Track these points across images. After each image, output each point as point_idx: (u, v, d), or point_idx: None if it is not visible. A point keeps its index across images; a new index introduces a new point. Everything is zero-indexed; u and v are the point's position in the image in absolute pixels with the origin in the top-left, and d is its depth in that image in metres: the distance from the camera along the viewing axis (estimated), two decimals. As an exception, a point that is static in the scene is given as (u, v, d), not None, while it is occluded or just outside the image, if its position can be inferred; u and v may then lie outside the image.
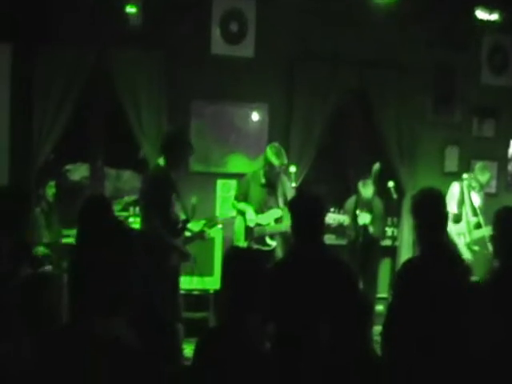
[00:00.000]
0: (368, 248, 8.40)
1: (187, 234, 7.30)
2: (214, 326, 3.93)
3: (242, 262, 3.94)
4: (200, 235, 7.43)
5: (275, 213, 8.22)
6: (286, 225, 7.92)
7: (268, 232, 8.20)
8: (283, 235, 8.41)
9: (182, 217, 7.17)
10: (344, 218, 8.23)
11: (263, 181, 8.25)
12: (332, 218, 8.12)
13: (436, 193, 5.06)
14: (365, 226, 8.39)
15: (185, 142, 7.18)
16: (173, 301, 7.00)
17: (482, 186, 8.84)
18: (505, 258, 4.90)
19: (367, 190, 8.52)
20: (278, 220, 8.23)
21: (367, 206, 8.50)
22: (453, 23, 9.58)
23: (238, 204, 8.33)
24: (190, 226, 7.29)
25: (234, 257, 4.13)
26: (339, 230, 9.02)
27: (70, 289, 2.92)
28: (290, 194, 8.06)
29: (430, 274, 4.74)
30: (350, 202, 8.71)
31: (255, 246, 8.05)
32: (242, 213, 8.29)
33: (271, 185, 8.24)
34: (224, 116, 9.48)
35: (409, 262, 5.20)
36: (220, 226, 8.40)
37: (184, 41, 9.10)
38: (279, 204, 8.20)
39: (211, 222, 7.78)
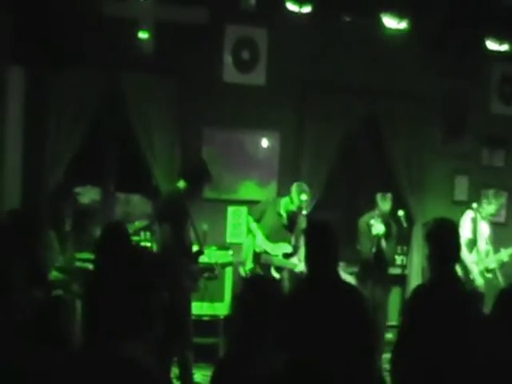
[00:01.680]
0: (379, 270, 8.40)
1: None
2: (226, 355, 3.91)
3: (257, 290, 3.93)
4: (210, 270, 7.55)
5: (285, 247, 8.32)
6: (294, 263, 8.03)
7: (275, 263, 8.25)
8: (291, 272, 8.44)
9: (196, 247, 7.26)
10: (351, 280, 8.23)
11: (282, 211, 8.37)
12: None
13: (450, 223, 5.12)
14: (378, 238, 8.37)
15: (208, 173, 7.39)
16: (184, 326, 7.05)
17: (490, 215, 8.85)
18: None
19: (385, 203, 8.52)
20: (286, 255, 8.30)
21: (383, 218, 8.49)
22: (463, 53, 9.61)
23: (253, 223, 8.42)
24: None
25: (248, 284, 4.14)
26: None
27: (87, 313, 2.94)
28: (302, 226, 8.16)
29: (440, 302, 4.76)
30: (363, 218, 8.69)
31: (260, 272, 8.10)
32: (252, 234, 8.37)
33: (288, 219, 8.36)
34: (235, 143, 9.53)
35: (419, 289, 5.22)
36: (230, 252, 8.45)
37: (196, 68, 9.17)
38: (291, 241, 8.29)
39: (211, 273, 7.89)
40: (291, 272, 8.42)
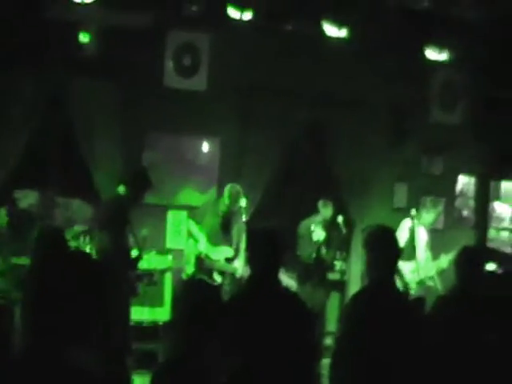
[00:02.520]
0: (318, 274, 8.44)
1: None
2: (169, 357, 3.91)
3: (195, 292, 3.94)
4: (148, 277, 7.54)
5: (227, 251, 8.33)
6: (235, 267, 8.04)
7: (217, 267, 8.25)
8: (232, 276, 8.46)
9: (135, 252, 7.23)
10: (292, 284, 8.27)
11: (220, 214, 8.35)
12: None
13: (389, 230, 5.18)
14: (319, 244, 8.41)
15: (148, 180, 7.48)
16: (123, 331, 7.00)
17: (429, 224, 8.93)
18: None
19: (327, 210, 8.58)
20: (228, 260, 8.31)
21: (324, 225, 8.53)
22: (404, 62, 9.73)
23: (194, 227, 8.40)
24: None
25: (187, 287, 4.15)
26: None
27: (28, 319, 2.92)
28: (242, 232, 8.19)
29: (379, 308, 4.80)
30: (305, 223, 8.72)
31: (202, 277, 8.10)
32: (194, 238, 8.35)
33: (226, 221, 8.34)
34: (177, 149, 9.52)
35: (357, 295, 5.25)
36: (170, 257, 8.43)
37: (139, 72, 9.09)
38: (232, 244, 8.30)
39: (149, 279, 7.89)
40: (232, 276, 8.43)
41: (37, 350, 2.81)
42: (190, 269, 8.30)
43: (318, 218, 8.57)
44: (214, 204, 8.61)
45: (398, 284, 6.55)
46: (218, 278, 8.27)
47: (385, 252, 4.96)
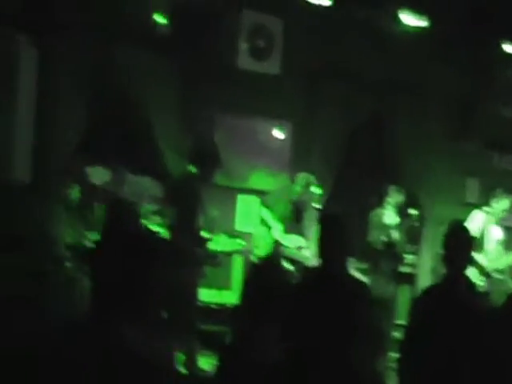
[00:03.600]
0: (389, 262, 8.36)
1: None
2: (232, 342, 3.92)
3: (264, 276, 3.91)
4: (213, 257, 7.55)
5: (299, 240, 8.24)
6: (306, 256, 8.00)
7: (288, 255, 8.17)
8: (302, 265, 8.40)
9: (205, 233, 7.34)
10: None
11: (292, 202, 8.35)
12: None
13: (466, 228, 5.31)
14: (390, 228, 8.31)
15: (219, 160, 7.47)
16: (188, 312, 7.06)
17: (503, 212, 8.73)
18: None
19: (399, 195, 8.52)
20: (299, 248, 8.23)
21: (396, 211, 8.44)
22: (477, 54, 9.54)
23: (268, 214, 8.35)
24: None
25: (256, 270, 4.15)
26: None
27: (93, 292, 2.93)
28: (314, 221, 8.13)
29: (450, 304, 4.78)
30: (377, 210, 8.63)
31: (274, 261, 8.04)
32: (267, 224, 8.30)
33: (297, 210, 8.30)
34: (247, 131, 9.49)
35: (430, 289, 5.25)
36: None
37: (210, 53, 9.06)
38: (304, 233, 8.22)
39: (213, 260, 7.88)
40: (302, 265, 8.37)
41: (95, 325, 2.82)
42: (260, 252, 8.26)
43: (390, 202, 8.46)
44: (285, 191, 8.52)
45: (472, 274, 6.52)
46: (288, 266, 8.21)
47: (460, 249, 5.03)
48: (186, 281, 6.89)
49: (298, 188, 8.23)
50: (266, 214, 8.35)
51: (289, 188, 8.55)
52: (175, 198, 7.30)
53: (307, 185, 8.20)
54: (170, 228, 7.21)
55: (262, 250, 8.27)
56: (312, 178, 8.30)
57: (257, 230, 8.50)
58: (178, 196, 7.25)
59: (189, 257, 7.03)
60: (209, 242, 7.43)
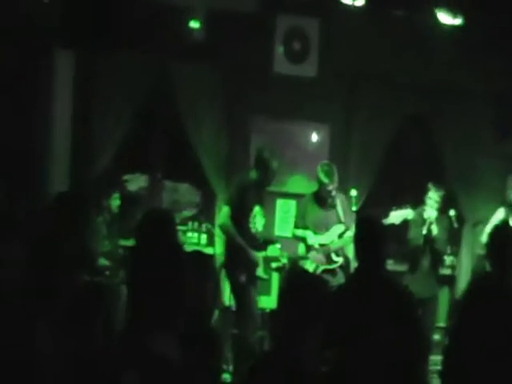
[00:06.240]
0: (429, 260, 8.26)
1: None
2: (269, 348, 3.90)
3: (304, 285, 3.89)
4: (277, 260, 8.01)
5: (338, 228, 8.15)
6: (346, 239, 8.00)
7: (333, 249, 8.12)
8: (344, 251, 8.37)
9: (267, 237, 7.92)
10: (408, 213, 8.09)
11: (318, 200, 8.24)
12: (395, 216, 8.01)
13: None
14: (430, 223, 8.21)
15: (271, 166, 7.72)
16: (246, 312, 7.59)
17: None
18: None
19: (438, 192, 8.36)
20: (341, 235, 8.18)
21: (436, 207, 8.32)
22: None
23: (297, 231, 8.32)
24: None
25: (294, 277, 4.14)
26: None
27: (128, 299, 2.96)
28: (349, 212, 8.14)
29: (496, 305, 4.68)
30: (418, 210, 8.53)
31: (322, 267, 8.06)
32: (301, 239, 8.28)
33: (326, 203, 8.20)
34: (284, 134, 9.44)
35: (474, 290, 5.15)
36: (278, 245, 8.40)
37: (247, 57, 9.05)
38: (341, 219, 8.13)
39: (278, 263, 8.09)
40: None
41: (128, 332, 2.85)
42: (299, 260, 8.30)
43: (432, 198, 8.33)
44: (311, 196, 8.38)
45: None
46: (338, 259, 8.15)
47: (506, 247, 5.06)
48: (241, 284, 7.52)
49: (322, 178, 8.05)
50: (297, 232, 8.32)
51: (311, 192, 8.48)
52: (234, 200, 7.61)
53: (329, 171, 8.06)
54: (229, 230, 7.60)
55: (300, 257, 8.30)
56: (332, 166, 8.17)
57: (293, 237, 8.49)
58: (236, 198, 7.58)
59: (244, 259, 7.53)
60: (271, 247, 7.91)
